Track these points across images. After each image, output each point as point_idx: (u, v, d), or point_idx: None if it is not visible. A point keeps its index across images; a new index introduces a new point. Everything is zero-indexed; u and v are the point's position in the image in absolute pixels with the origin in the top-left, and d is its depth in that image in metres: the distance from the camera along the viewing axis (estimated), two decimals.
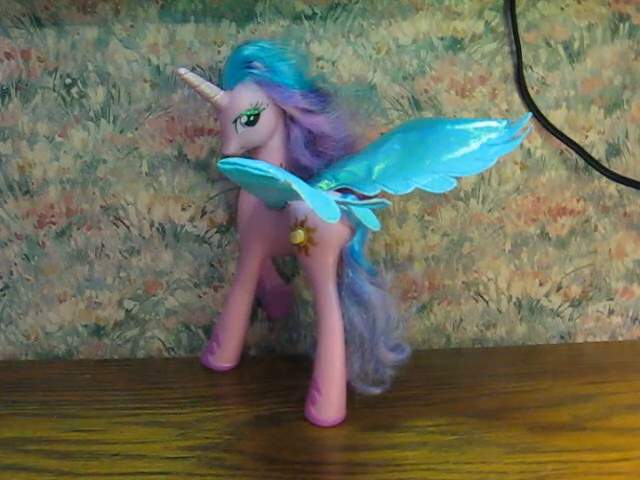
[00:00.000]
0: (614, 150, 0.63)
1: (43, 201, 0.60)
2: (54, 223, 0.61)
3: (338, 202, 0.42)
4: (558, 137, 0.61)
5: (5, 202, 0.60)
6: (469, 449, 0.47)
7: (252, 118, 0.51)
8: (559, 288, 0.65)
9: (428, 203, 0.62)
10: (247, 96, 0.51)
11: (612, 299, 0.66)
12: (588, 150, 0.61)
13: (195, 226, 0.62)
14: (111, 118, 0.59)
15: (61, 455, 0.47)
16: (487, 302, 0.65)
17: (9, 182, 0.60)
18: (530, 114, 0.52)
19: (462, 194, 0.62)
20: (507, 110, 0.61)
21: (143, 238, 0.62)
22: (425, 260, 0.64)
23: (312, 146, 0.53)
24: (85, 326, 0.63)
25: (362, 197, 0.49)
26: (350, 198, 0.48)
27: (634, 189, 0.62)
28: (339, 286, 0.50)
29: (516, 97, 0.61)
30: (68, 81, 0.58)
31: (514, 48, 0.59)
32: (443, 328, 0.66)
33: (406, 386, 0.54)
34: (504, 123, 0.50)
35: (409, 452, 0.47)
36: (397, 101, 0.60)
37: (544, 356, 0.63)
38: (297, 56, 0.53)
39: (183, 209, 0.61)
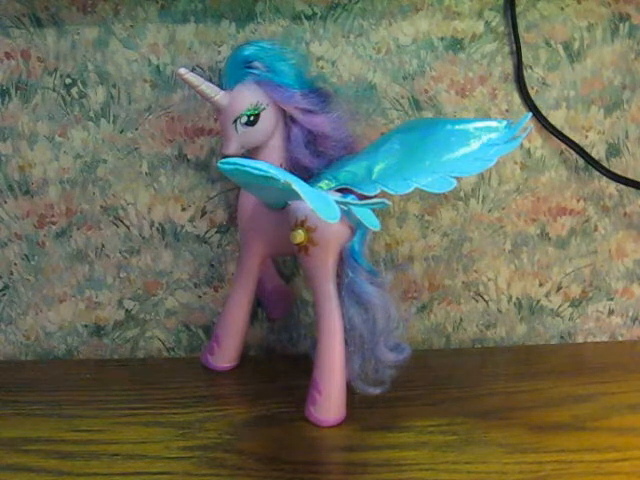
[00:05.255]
0: (614, 150, 0.63)
1: (43, 201, 0.60)
2: (54, 223, 0.61)
3: (338, 202, 0.42)
4: (558, 137, 0.61)
5: (5, 202, 0.60)
6: (469, 449, 0.47)
7: (252, 118, 0.51)
8: (559, 288, 0.65)
9: (428, 203, 0.62)
10: (247, 96, 0.51)
11: (612, 299, 0.66)
12: (588, 150, 0.61)
13: (195, 226, 0.62)
14: (111, 118, 0.59)
15: (61, 455, 0.47)
16: (487, 302, 0.65)
17: (9, 182, 0.60)
18: (530, 114, 0.52)
19: (462, 194, 0.62)
20: (507, 110, 0.61)
21: (143, 238, 0.62)
22: (425, 260, 0.64)
23: (312, 146, 0.53)
24: (85, 326, 0.63)
25: (362, 197, 0.49)
26: (350, 198, 0.48)
27: (634, 189, 0.62)
28: (339, 286, 0.50)
29: (516, 97, 0.61)
30: (68, 81, 0.58)
31: (514, 48, 0.59)
32: (443, 328, 0.66)
33: (406, 386, 0.54)
34: (504, 123, 0.50)
35: (409, 452, 0.47)
36: (397, 101, 0.60)
37: (544, 356, 0.63)
38: (297, 56, 0.53)
39: (183, 209, 0.61)
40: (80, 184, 0.60)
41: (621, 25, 0.60)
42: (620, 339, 0.67)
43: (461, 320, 0.65)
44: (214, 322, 0.63)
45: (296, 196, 0.41)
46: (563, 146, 0.61)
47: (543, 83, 0.61)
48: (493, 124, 0.50)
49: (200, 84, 0.50)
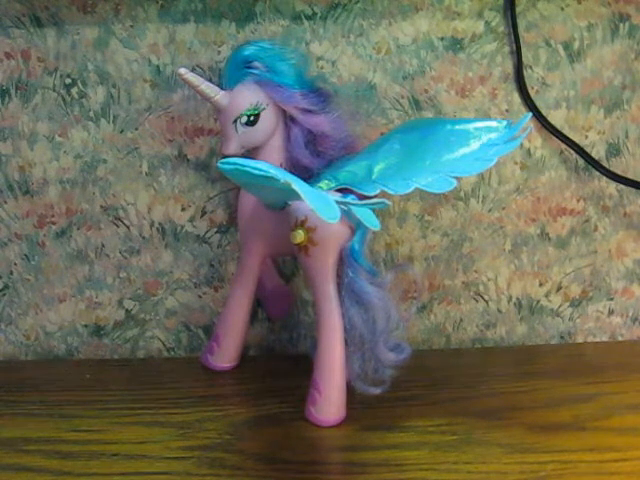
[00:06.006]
0: (614, 150, 0.63)
1: (43, 201, 0.60)
2: (54, 223, 0.61)
3: (338, 202, 0.42)
4: (558, 137, 0.61)
5: (5, 202, 0.60)
6: (469, 449, 0.47)
7: (252, 118, 0.51)
8: (559, 288, 0.65)
9: (428, 203, 0.62)
10: (247, 96, 0.51)
11: (612, 299, 0.66)
12: (588, 150, 0.61)
13: (195, 226, 0.62)
14: (111, 118, 0.59)
15: (61, 455, 0.47)
16: (487, 302, 0.65)
17: (9, 182, 0.60)
18: (530, 114, 0.52)
19: (462, 194, 0.62)
20: (507, 110, 0.61)
21: (143, 238, 0.62)
22: (425, 260, 0.64)
23: (312, 146, 0.53)
24: (85, 326, 0.63)
25: (362, 197, 0.49)
26: (350, 198, 0.48)
27: (634, 189, 0.62)
28: (339, 286, 0.50)
29: (516, 97, 0.61)
30: (68, 81, 0.58)
31: (514, 48, 0.59)
32: (443, 328, 0.66)
33: (406, 386, 0.54)
34: (504, 123, 0.50)
35: (409, 452, 0.47)
36: (397, 101, 0.60)
37: (544, 356, 0.63)
38: (297, 56, 0.53)
39: (183, 209, 0.61)
40: (80, 184, 0.60)
41: (621, 25, 0.60)
42: (620, 339, 0.67)
43: (461, 320, 0.65)
44: (214, 322, 0.63)
45: (296, 196, 0.41)
46: (563, 146, 0.61)
47: (543, 83, 0.61)
48: (493, 124, 0.50)
49: (200, 84, 0.50)
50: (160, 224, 0.61)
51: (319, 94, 0.52)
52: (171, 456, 0.47)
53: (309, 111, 0.52)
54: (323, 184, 0.51)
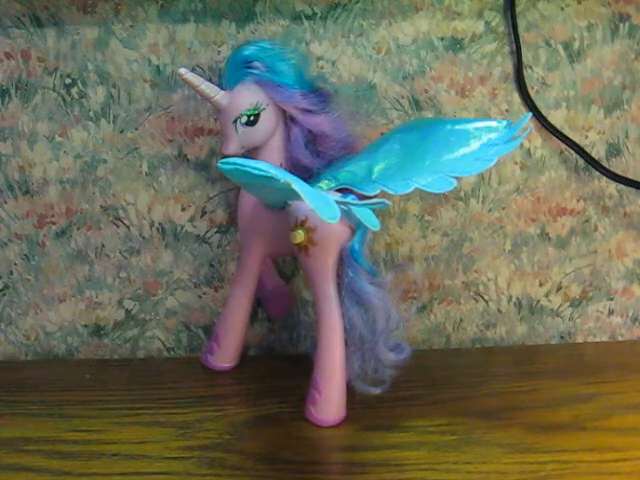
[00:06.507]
0: (614, 150, 0.63)
1: (43, 201, 0.60)
2: (54, 223, 0.61)
3: (338, 202, 0.42)
4: (558, 137, 0.61)
5: (5, 202, 0.60)
6: (469, 449, 0.47)
7: (252, 118, 0.51)
8: (559, 288, 0.65)
9: (428, 203, 0.62)
10: (247, 96, 0.51)
11: (612, 299, 0.66)
12: (588, 150, 0.61)
13: (195, 226, 0.62)
14: (111, 118, 0.59)
15: (61, 455, 0.47)
16: (487, 302, 0.65)
17: (9, 182, 0.60)
18: (530, 114, 0.52)
19: (462, 194, 0.62)
20: (507, 110, 0.61)
21: (143, 238, 0.62)
22: (425, 260, 0.64)
23: (312, 146, 0.53)
24: (85, 326, 0.63)
25: (362, 197, 0.49)
26: (350, 198, 0.48)
27: (634, 189, 0.62)
28: (339, 286, 0.50)
29: (516, 97, 0.61)
30: (68, 81, 0.58)
31: (514, 48, 0.59)
32: (443, 328, 0.66)
33: (406, 386, 0.54)
34: (504, 123, 0.50)
35: (409, 452, 0.47)
36: (397, 101, 0.60)
37: (544, 356, 0.63)
38: (297, 56, 0.53)
39: (183, 209, 0.61)
40: (80, 184, 0.60)
41: (621, 25, 0.60)
42: (620, 339, 0.67)
43: (461, 320, 0.65)
44: (214, 322, 0.63)
45: (296, 196, 0.41)
46: (563, 146, 0.61)
47: (543, 83, 0.61)
48: (493, 124, 0.50)
49: (200, 84, 0.50)
50: (160, 224, 0.61)
51: (319, 94, 0.52)
52: (171, 456, 0.47)
53: (309, 111, 0.52)
54: (323, 184, 0.51)
